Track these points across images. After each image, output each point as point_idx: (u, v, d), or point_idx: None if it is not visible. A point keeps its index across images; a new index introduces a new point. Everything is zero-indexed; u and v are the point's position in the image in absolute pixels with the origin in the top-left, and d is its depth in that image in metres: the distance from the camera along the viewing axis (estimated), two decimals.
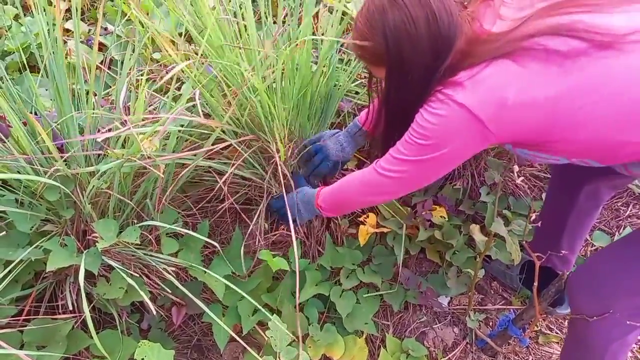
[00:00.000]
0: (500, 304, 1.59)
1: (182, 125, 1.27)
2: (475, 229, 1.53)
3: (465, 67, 0.91)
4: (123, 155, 1.07)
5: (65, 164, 1.14)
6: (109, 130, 1.25)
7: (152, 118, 1.12)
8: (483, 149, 1.01)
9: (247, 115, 1.30)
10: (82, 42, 1.67)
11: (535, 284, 1.17)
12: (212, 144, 1.24)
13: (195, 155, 1.22)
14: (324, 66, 1.34)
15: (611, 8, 0.88)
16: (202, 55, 1.20)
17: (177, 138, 1.25)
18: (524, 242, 1.22)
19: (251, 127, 1.35)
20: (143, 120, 1.17)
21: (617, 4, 0.89)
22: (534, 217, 1.17)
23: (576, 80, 0.85)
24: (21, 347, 1.09)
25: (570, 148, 0.94)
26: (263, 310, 1.17)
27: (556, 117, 0.87)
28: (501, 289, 1.62)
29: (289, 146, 1.37)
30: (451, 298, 1.57)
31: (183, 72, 1.26)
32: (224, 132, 1.28)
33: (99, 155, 1.24)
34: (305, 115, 1.39)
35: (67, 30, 1.76)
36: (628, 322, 1.03)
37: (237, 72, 1.26)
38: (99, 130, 1.28)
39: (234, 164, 1.26)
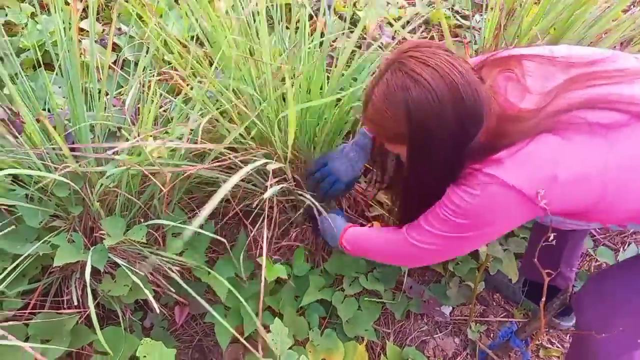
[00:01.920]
0: (502, 316, 1.59)
1: (191, 131, 1.28)
2: (487, 246, 1.54)
3: (504, 146, 0.87)
4: (130, 161, 1.08)
5: (76, 162, 1.16)
6: (119, 129, 1.27)
7: (161, 129, 1.14)
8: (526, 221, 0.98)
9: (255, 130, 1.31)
10: (96, 41, 1.70)
11: (543, 299, 1.16)
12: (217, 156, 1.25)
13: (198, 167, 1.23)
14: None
15: (633, 79, 0.88)
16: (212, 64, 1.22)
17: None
18: (535, 260, 1.21)
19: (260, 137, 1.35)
20: (153, 128, 1.19)
21: (636, 75, 0.89)
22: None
23: (623, 151, 0.84)
24: (26, 340, 1.11)
25: (612, 217, 0.93)
26: (254, 317, 1.17)
27: (606, 189, 0.86)
28: (503, 301, 1.62)
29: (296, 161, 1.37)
30: (453, 308, 1.57)
31: (195, 76, 1.27)
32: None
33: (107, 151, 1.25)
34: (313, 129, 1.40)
35: (81, 30, 1.79)
36: (638, 341, 1.03)
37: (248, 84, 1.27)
38: (109, 130, 1.30)
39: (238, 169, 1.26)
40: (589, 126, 0.84)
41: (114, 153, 1.05)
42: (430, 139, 0.89)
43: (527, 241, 1.51)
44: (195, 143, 1.17)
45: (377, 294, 1.50)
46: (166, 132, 1.24)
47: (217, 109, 1.30)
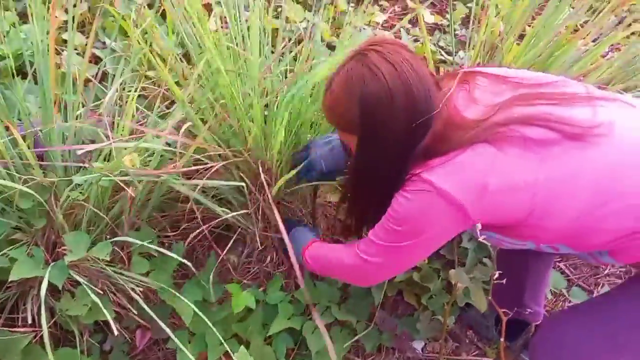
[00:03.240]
0: (474, 354, 1.56)
1: (168, 144, 1.25)
2: (453, 274, 1.52)
3: (442, 152, 0.90)
4: (102, 169, 1.05)
5: (43, 173, 1.12)
6: (92, 142, 1.24)
7: (138, 134, 1.12)
8: (460, 232, 1.00)
9: (233, 135, 1.29)
10: (78, 53, 1.67)
11: (502, 339, 1.14)
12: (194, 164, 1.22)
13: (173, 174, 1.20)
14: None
15: (572, 102, 0.93)
16: (198, 76, 1.21)
17: (160, 157, 1.24)
18: (489, 298, 1.19)
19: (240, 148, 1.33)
20: (129, 135, 1.16)
21: (578, 99, 0.93)
22: (497, 275, 1.13)
23: (552, 169, 0.87)
24: None
25: (542, 234, 0.95)
26: (225, 343, 1.13)
27: (533, 203, 0.88)
28: (476, 339, 1.59)
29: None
30: (425, 344, 1.54)
31: (174, 92, 1.26)
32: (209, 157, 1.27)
33: (79, 167, 1.22)
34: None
35: (64, 41, 1.76)
36: None
37: (231, 95, 1.26)
38: (82, 142, 1.27)
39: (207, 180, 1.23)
40: (523, 140, 0.87)
41: (84, 155, 1.02)
42: (379, 132, 0.92)
43: (493, 269, 1.49)
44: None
45: (348, 325, 1.46)
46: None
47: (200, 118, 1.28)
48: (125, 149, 1.05)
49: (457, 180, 0.88)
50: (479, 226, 0.91)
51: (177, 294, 1.21)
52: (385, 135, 0.92)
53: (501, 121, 0.89)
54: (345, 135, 1.02)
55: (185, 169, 1.16)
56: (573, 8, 1.48)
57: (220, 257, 1.34)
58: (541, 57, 1.43)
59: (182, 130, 1.15)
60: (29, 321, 1.13)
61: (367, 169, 1.01)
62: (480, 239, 1.00)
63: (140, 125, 1.38)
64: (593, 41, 1.53)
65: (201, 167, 1.20)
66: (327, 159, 1.27)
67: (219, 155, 1.31)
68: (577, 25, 1.47)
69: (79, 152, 0.98)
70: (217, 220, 1.36)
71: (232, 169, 1.35)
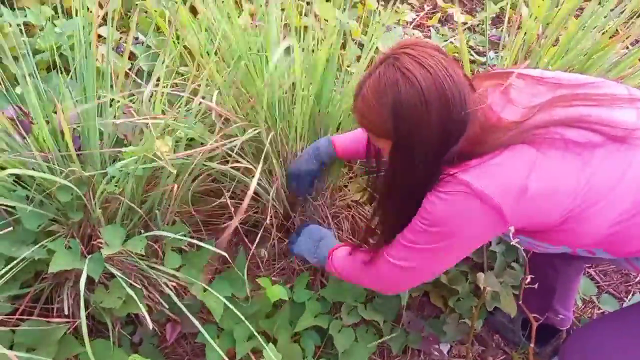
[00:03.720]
0: (501, 358, 1.54)
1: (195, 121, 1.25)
2: (481, 277, 1.51)
3: (479, 154, 0.88)
4: (134, 153, 1.06)
5: (82, 167, 1.14)
6: (126, 137, 1.26)
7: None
8: (495, 236, 0.99)
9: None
10: (113, 49, 1.69)
11: (532, 345, 1.13)
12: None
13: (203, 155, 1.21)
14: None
15: (614, 103, 0.91)
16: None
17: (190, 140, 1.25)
18: (520, 303, 1.18)
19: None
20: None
21: (619, 101, 0.91)
22: (528, 279, 1.12)
23: (594, 172, 0.85)
24: (11, 347, 1.07)
25: (579, 239, 0.93)
26: (258, 337, 1.13)
27: (573, 207, 0.86)
28: (503, 343, 1.58)
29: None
30: (451, 346, 1.53)
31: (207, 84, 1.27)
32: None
33: (114, 160, 1.23)
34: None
35: (99, 36, 1.79)
36: None
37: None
38: (117, 138, 1.29)
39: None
40: (564, 143, 0.85)
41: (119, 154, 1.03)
42: (413, 138, 0.89)
43: (523, 273, 1.48)
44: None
45: (375, 325, 1.46)
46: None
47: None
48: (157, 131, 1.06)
49: (495, 181, 0.86)
50: (512, 229, 0.89)
51: (209, 289, 1.21)
52: (419, 140, 0.89)
53: (541, 123, 0.87)
54: (377, 140, 1.00)
55: (212, 145, 1.15)
56: (612, 11, 1.45)
57: (251, 252, 1.34)
58: (579, 60, 1.41)
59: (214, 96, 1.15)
60: (65, 312, 1.15)
61: (401, 173, 0.98)
62: (513, 242, 0.99)
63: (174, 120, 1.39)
64: (632, 44, 1.50)
65: (227, 141, 1.20)
66: (295, 163, 1.35)
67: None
68: (616, 29, 1.44)
69: (118, 123, 0.98)
70: (245, 215, 1.37)
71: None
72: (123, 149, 1.07)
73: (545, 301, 1.39)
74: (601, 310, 1.67)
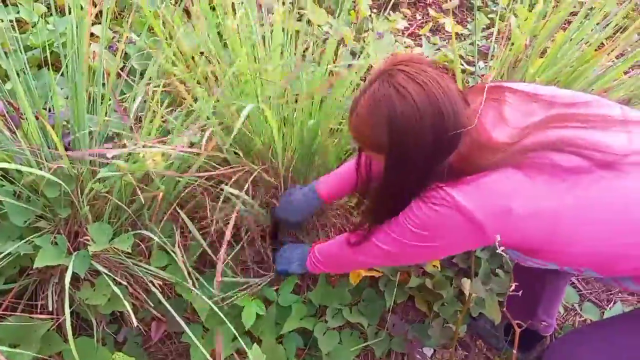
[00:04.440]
0: None
1: (192, 144, 1.27)
2: (466, 283, 1.52)
3: (469, 172, 0.90)
4: (126, 169, 1.07)
5: (70, 164, 1.14)
6: (117, 134, 1.26)
7: (160, 139, 1.14)
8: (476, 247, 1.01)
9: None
10: (105, 47, 1.70)
11: (514, 351, 1.14)
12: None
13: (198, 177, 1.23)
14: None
15: (606, 126, 0.91)
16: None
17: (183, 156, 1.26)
18: (504, 310, 1.19)
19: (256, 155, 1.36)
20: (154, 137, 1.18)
21: (611, 123, 0.91)
22: (513, 287, 1.13)
23: (579, 197, 0.85)
24: None
25: (567, 259, 0.94)
26: (240, 339, 1.14)
27: (558, 230, 0.87)
28: (485, 348, 1.59)
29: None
30: (434, 351, 1.54)
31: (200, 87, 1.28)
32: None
33: (105, 160, 1.24)
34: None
35: (91, 35, 1.79)
36: None
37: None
38: (108, 135, 1.29)
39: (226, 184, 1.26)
40: (551, 167, 0.86)
41: (112, 157, 1.04)
42: (407, 153, 0.91)
43: (509, 282, 1.50)
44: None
45: (359, 328, 1.47)
46: (163, 142, 1.23)
47: (220, 123, 1.30)
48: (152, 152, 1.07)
49: (479, 200, 0.87)
50: (498, 237, 0.91)
51: (195, 289, 1.22)
52: (413, 154, 0.91)
53: (531, 146, 0.88)
54: (372, 155, 1.02)
55: (203, 174, 1.18)
56: (598, 24, 1.49)
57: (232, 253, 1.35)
58: (566, 71, 1.44)
59: (206, 135, 1.17)
60: (49, 308, 1.15)
61: (394, 185, 1.00)
62: (499, 251, 1.00)
63: (164, 121, 1.40)
64: (617, 57, 1.54)
65: (216, 172, 1.23)
66: (284, 211, 1.39)
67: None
68: (602, 42, 1.47)
69: (109, 155, 0.99)
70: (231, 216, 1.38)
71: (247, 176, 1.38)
72: (113, 160, 1.07)
73: (529, 309, 1.41)
74: (583, 318, 1.70)
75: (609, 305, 1.75)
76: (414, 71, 0.87)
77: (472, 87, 1.06)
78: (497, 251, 0.91)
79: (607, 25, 1.48)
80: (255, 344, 1.26)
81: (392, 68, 0.89)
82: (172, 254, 1.21)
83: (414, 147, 0.89)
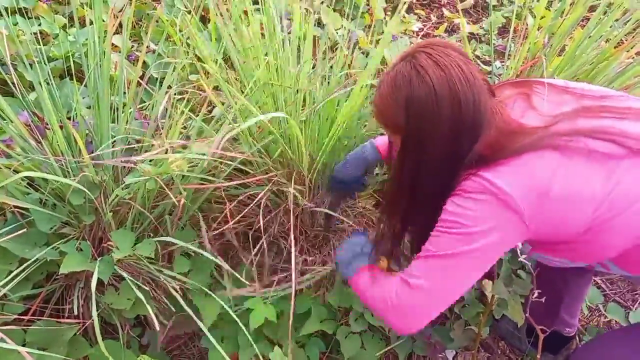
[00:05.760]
0: None
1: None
2: (487, 284, 1.50)
3: (502, 157, 0.87)
4: (150, 173, 1.09)
5: (94, 171, 1.17)
6: (138, 142, 1.29)
7: (182, 143, 1.15)
8: (514, 245, 0.94)
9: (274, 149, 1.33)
10: (125, 57, 1.73)
11: (539, 356, 1.13)
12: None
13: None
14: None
15: (637, 118, 0.89)
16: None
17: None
18: (527, 315, 1.17)
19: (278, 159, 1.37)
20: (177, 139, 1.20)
21: None
22: (536, 294, 1.10)
23: (620, 181, 0.84)
24: (22, 347, 1.08)
25: (598, 252, 0.91)
26: (255, 345, 1.14)
27: (595, 216, 0.85)
28: (508, 350, 1.58)
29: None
30: (456, 353, 1.53)
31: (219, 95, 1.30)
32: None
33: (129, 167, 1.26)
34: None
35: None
36: None
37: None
38: (129, 142, 1.32)
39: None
40: (588, 152, 0.84)
41: (137, 163, 1.06)
42: (423, 136, 0.89)
43: (532, 285, 1.48)
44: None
45: (381, 331, 1.46)
46: (185, 148, 1.25)
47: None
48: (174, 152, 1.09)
49: (517, 180, 0.84)
50: (520, 245, 0.88)
51: (210, 292, 1.21)
52: (429, 139, 0.89)
53: (564, 131, 0.86)
54: (392, 136, 1.01)
55: (227, 183, 1.19)
56: (617, 21, 1.47)
57: (256, 259, 1.36)
58: (584, 69, 1.42)
59: (225, 138, 1.17)
60: (75, 313, 1.17)
61: (408, 173, 0.97)
62: (521, 259, 0.98)
63: (184, 127, 1.42)
64: (637, 54, 1.51)
65: (241, 181, 1.24)
66: (343, 173, 1.33)
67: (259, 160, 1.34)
68: (621, 39, 1.45)
69: (135, 160, 1.01)
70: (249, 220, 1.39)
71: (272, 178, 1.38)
72: (139, 164, 1.08)
73: (552, 309, 1.39)
74: (607, 319, 1.67)
75: (635, 306, 1.72)
76: (437, 54, 0.86)
77: (504, 81, 1.05)
78: (519, 259, 0.89)
79: (627, 21, 1.45)
80: (276, 347, 1.27)
81: (417, 50, 0.89)
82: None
83: (429, 130, 0.88)
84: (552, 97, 0.95)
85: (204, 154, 1.06)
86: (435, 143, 0.89)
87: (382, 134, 1.42)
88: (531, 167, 0.85)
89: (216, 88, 1.47)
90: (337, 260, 1.25)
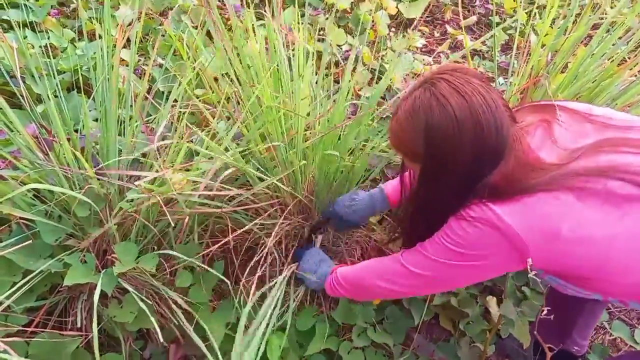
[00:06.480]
0: None
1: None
2: (491, 301, 1.50)
3: (515, 192, 0.85)
4: (152, 191, 1.10)
5: (100, 184, 1.17)
6: (144, 155, 1.29)
7: (186, 165, 1.17)
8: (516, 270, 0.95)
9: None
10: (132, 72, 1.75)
11: None
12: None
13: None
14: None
15: None
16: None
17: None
18: (535, 332, 1.16)
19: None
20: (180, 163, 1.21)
21: None
22: (545, 311, 1.10)
23: (633, 224, 0.82)
24: (25, 358, 1.08)
25: (612, 289, 0.90)
26: None
27: (608, 258, 0.84)
28: None
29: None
30: None
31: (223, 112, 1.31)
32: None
33: (131, 177, 1.26)
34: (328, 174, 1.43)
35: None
36: None
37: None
38: (135, 156, 1.32)
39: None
40: (605, 194, 0.82)
41: (137, 179, 1.07)
42: (443, 165, 0.88)
43: (541, 306, 1.47)
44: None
45: (384, 347, 1.45)
46: (187, 169, 1.25)
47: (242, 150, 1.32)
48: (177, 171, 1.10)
49: (525, 219, 0.83)
50: (530, 261, 0.86)
51: (215, 309, 1.21)
52: (450, 168, 0.88)
53: (582, 170, 0.84)
54: (409, 163, 1.00)
55: (232, 208, 1.21)
56: (620, 39, 1.48)
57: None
58: (587, 87, 1.43)
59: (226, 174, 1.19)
60: (78, 325, 1.17)
61: (427, 199, 0.97)
62: (532, 275, 0.96)
63: (190, 141, 1.43)
64: None
65: (246, 207, 1.27)
66: (349, 216, 1.36)
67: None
68: (624, 57, 1.46)
69: (136, 183, 1.03)
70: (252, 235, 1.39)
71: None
72: (141, 182, 1.09)
73: (564, 331, 1.37)
74: (613, 337, 1.65)
75: (639, 323, 1.70)
76: (457, 81, 0.85)
77: (524, 105, 1.03)
78: (529, 275, 0.88)
79: (630, 40, 1.47)
80: None
81: (436, 76, 0.87)
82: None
83: (450, 160, 0.86)
84: (574, 126, 0.93)
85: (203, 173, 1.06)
86: (455, 171, 0.88)
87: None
88: (543, 207, 0.83)
89: (219, 102, 1.48)
90: (302, 272, 1.31)
